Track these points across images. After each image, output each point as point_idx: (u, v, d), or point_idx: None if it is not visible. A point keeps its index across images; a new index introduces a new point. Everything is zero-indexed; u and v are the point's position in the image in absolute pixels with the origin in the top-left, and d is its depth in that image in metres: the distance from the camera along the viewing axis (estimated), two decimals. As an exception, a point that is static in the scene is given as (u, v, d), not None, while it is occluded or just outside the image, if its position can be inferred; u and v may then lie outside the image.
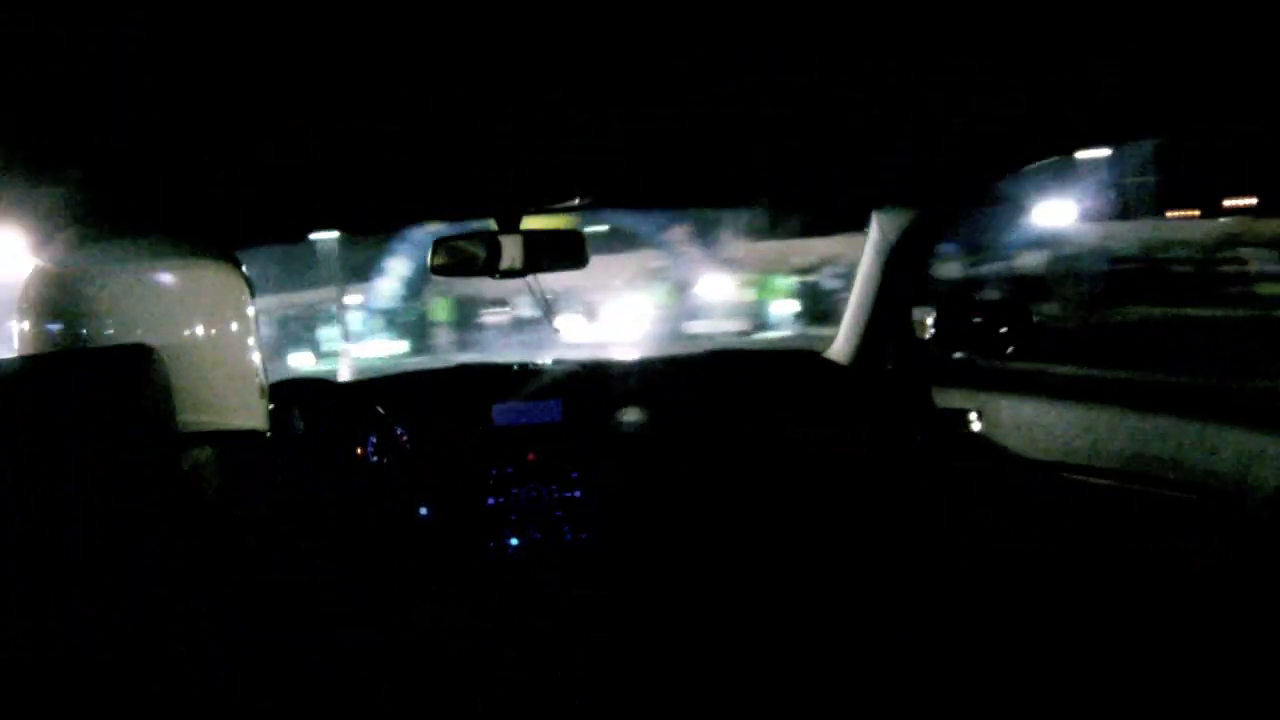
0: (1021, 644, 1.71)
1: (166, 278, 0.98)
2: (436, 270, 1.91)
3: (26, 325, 0.97)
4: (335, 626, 1.01)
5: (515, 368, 2.15)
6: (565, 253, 1.95)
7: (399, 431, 1.96)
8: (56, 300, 0.95)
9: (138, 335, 0.95)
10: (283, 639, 0.90)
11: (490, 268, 1.90)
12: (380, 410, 1.94)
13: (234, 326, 1.04)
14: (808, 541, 2.01)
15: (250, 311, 1.08)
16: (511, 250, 1.88)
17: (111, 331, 0.95)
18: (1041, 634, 1.69)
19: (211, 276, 1.03)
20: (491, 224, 1.92)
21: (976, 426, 1.97)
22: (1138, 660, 1.53)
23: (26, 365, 0.92)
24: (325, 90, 1.02)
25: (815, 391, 2.18)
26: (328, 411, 1.89)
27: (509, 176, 1.65)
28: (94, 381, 0.84)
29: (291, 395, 1.83)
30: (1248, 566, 1.40)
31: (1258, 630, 1.37)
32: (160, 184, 1.34)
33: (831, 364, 2.28)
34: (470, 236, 1.90)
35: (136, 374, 0.87)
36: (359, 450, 1.91)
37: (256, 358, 1.09)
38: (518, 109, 1.16)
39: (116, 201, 1.32)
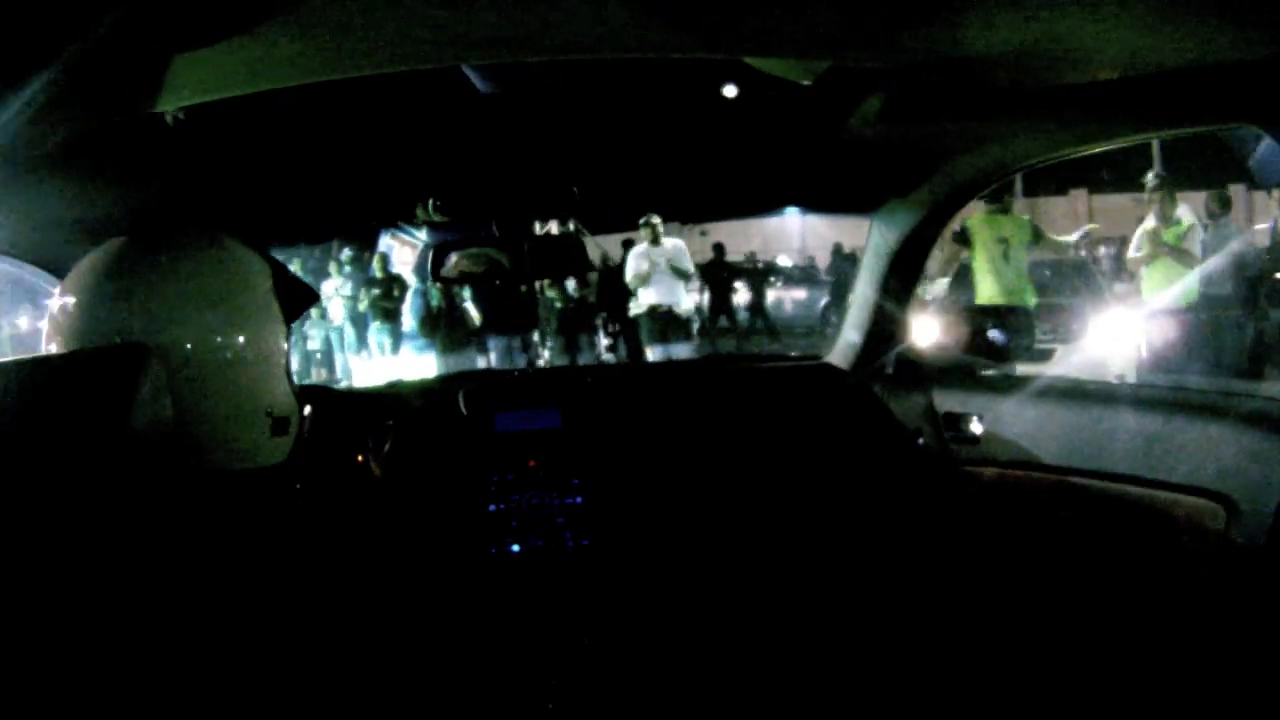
0: (1023, 645, 1.71)
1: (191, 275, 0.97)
2: (439, 278, 1.92)
3: (54, 347, 0.96)
4: (337, 631, 1.01)
5: (516, 374, 2.15)
6: (569, 260, 1.96)
7: (400, 439, 1.95)
8: (83, 315, 0.94)
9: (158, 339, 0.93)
10: (285, 642, 0.90)
11: (493, 275, 1.90)
12: (381, 417, 1.95)
13: (255, 328, 1.02)
14: (810, 546, 2.01)
15: (274, 314, 1.06)
16: (515, 257, 1.89)
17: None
18: (1043, 636, 1.69)
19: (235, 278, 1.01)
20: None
21: (977, 429, 1.97)
22: (1138, 661, 1.53)
23: (25, 366, 0.92)
24: (334, 93, 1.03)
25: (817, 396, 2.18)
26: (329, 419, 1.89)
27: (512, 183, 1.66)
28: (90, 381, 0.84)
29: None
30: (1248, 568, 1.40)
31: (1258, 632, 1.38)
32: (177, 188, 1.35)
33: (832, 368, 2.28)
34: (473, 243, 1.90)
35: (133, 373, 0.87)
36: (359, 458, 1.91)
37: (277, 362, 1.06)
38: (520, 114, 1.17)
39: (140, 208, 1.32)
